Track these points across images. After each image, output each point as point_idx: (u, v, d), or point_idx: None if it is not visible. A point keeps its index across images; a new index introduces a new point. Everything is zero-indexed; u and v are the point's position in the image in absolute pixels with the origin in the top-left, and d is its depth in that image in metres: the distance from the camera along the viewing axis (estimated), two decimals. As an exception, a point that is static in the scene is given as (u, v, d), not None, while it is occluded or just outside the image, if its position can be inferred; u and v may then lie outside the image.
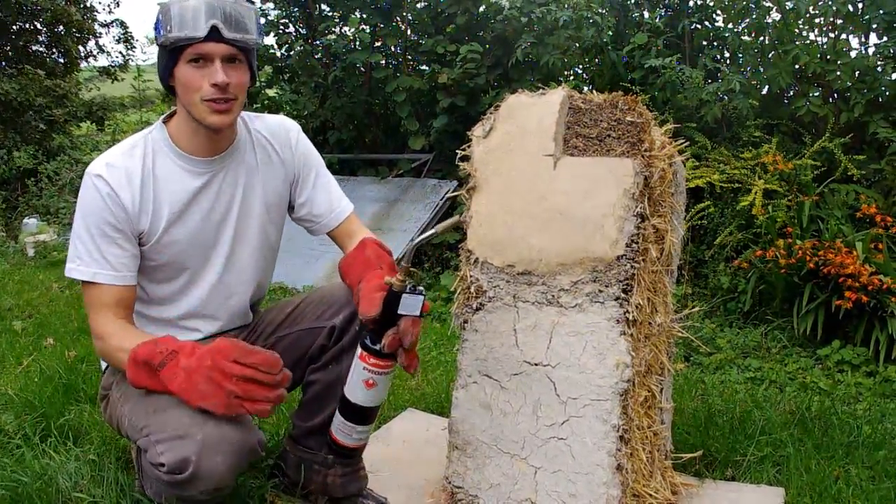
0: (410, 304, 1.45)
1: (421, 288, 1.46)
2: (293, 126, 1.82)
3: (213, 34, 1.49)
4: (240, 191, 1.71)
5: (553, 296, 1.75)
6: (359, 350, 1.53)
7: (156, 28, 1.54)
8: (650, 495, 1.77)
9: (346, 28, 6.12)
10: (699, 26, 4.93)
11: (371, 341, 1.51)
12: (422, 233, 1.45)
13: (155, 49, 1.61)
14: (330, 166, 6.78)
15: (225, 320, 1.79)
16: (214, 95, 1.52)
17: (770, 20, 4.44)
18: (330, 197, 1.84)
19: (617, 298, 1.69)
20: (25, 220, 7.54)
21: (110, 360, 1.60)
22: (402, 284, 1.45)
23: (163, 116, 1.69)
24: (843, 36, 4.33)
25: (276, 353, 1.40)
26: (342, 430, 1.59)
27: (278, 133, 1.78)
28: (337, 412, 1.61)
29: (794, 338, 3.48)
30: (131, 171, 1.59)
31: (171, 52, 1.53)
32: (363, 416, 1.58)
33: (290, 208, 1.85)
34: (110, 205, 1.55)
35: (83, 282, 1.58)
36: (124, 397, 1.59)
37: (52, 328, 3.65)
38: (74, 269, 1.57)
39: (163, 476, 1.40)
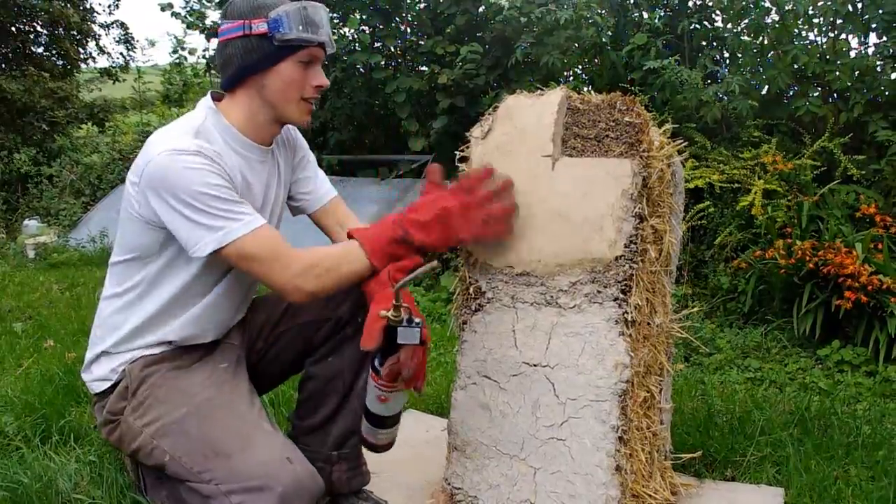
0: (408, 335, 1.45)
1: (417, 319, 1.45)
2: None
3: (325, 42, 1.60)
4: (275, 180, 1.74)
5: (552, 296, 1.76)
6: (370, 370, 1.54)
7: (277, 22, 1.53)
8: (649, 496, 1.77)
9: (345, 29, 6.12)
10: (698, 27, 4.93)
11: (379, 363, 1.51)
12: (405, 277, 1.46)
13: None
14: (330, 167, 6.75)
15: (236, 308, 1.78)
16: (314, 95, 1.62)
17: (769, 20, 4.44)
18: (317, 178, 1.88)
19: (615, 299, 1.70)
20: (26, 222, 7.54)
21: (336, 275, 1.54)
22: (397, 320, 1.45)
23: (209, 103, 1.64)
24: (843, 36, 4.33)
25: (483, 168, 1.66)
26: (368, 432, 1.62)
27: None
28: (363, 415, 1.61)
29: (793, 338, 3.48)
30: (210, 154, 1.52)
31: (280, 49, 1.55)
32: (384, 422, 1.60)
33: None
34: (221, 171, 1.50)
35: (239, 242, 1.47)
36: (158, 430, 1.54)
37: (52, 330, 3.65)
38: (220, 237, 1.46)
39: None
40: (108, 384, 1.67)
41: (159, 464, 1.55)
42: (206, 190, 1.46)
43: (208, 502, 1.44)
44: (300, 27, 1.54)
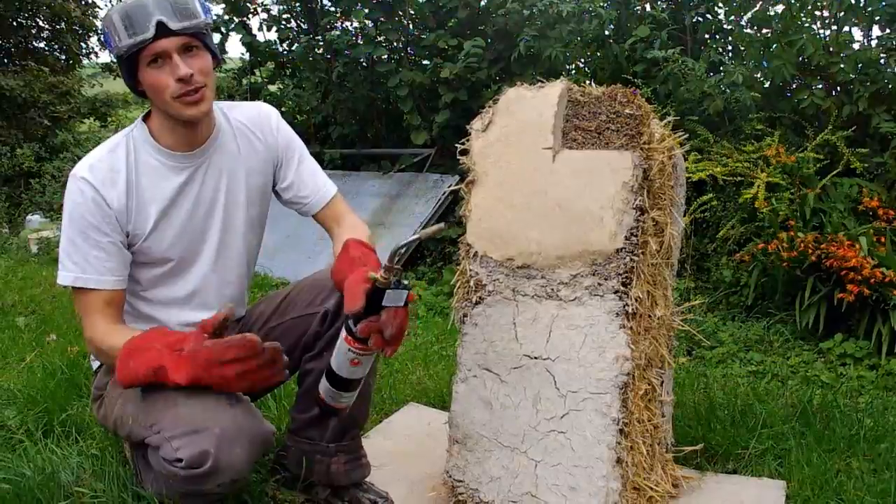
0: (394, 298, 1.44)
1: (406, 282, 1.44)
2: (272, 111, 1.83)
3: (162, 30, 1.47)
4: (224, 181, 1.71)
5: (552, 289, 1.75)
6: (343, 333, 1.51)
7: (106, 42, 1.53)
8: (651, 488, 1.77)
9: (347, 23, 6.11)
10: (701, 19, 4.91)
11: (353, 324, 1.49)
12: (406, 240, 1.44)
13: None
14: (332, 161, 6.70)
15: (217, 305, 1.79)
16: (183, 90, 1.51)
17: (773, 12, 4.42)
18: (315, 178, 1.84)
19: (616, 291, 1.69)
20: (28, 217, 7.57)
21: (106, 360, 1.61)
22: (386, 282, 1.43)
23: (142, 115, 1.69)
24: (846, 28, 4.31)
25: (247, 335, 1.40)
26: (329, 395, 1.60)
27: (257, 119, 1.79)
28: (324, 377, 1.59)
29: (796, 331, 3.47)
30: (116, 171, 1.59)
31: (129, 60, 1.52)
32: (349, 385, 1.58)
33: (276, 193, 1.85)
34: (94, 208, 1.56)
35: (71, 293, 1.60)
36: (125, 396, 1.59)
37: (54, 324, 3.66)
38: (65, 276, 1.58)
39: (179, 472, 1.40)
40: (98, 363, 1.76)
41: (129, 433, 1.58)
42: (75, 222, 1.57)
43: (156, 453, 1.45)
44: (118, 37, 1.48)
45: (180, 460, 1.39)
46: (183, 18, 1.49)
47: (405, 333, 1.49)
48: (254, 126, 1.78)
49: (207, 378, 1.40)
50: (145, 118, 1.67)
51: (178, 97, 1.52)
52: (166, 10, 1.47)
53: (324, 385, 1.60)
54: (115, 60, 1.58)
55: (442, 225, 1.41)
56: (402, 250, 1.43)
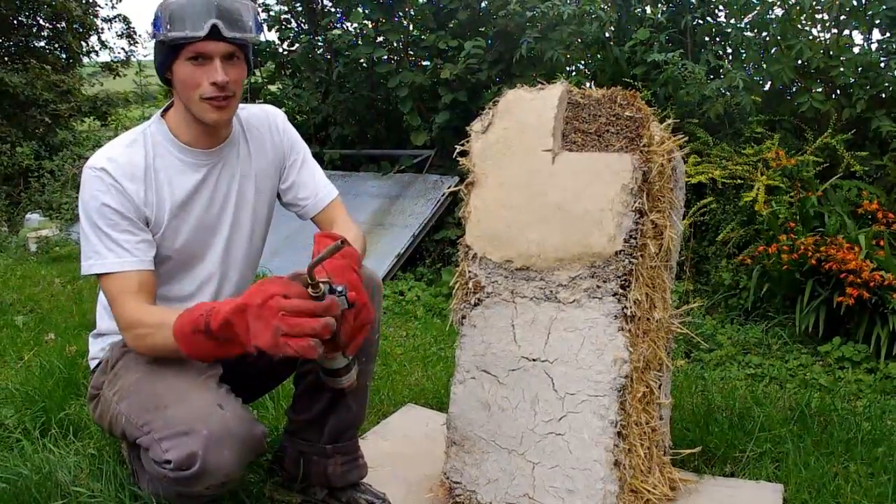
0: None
1: (340, 287, 1.40)
2: (279, 112, 1.85)
3: (214, 33, 1.50)
4: (236, 181, 1.73)
5: (551, 291, 1.75)
6: None
7: (154, 24, 1.55)
8: (648, 491, 1.77)
9: (347, 23, 6.11)
10: (701, 22, 4.92)
11: None
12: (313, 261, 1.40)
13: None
14: (332, 162, 6.67)
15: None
16: (214, 94, 1.54)
17: (773, 15, 4.42)
18: (315, 181, 1.85)
19: (615, 294, 1.69)
20: (27, 216, 7.56)
21: (149, 342, 1.51)
22: (318, 296, 1.38)
23: (160, 111, 1.70)
24: (846, 32, 4.31)
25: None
26: (330, 382, 1.59)
27: (265, 120, 1.81)
28: (320, 369, 1.58)
29: (795, 334, 3.47)
30: (135, 165, 1.60)
31: (170, 48, 1.54)
32: (340, 372, 1.57)
33: (277, 194, 1.86)
34: (116, 195, 1.56)
35: (103, 275, 1.56)
36: (119, 395, 1.59)
37: (53, 323, 3.66)
38: (93, 265, 1.56)
39: (168, 473, 1.40)
40: (96, 362, 1.75)
41: (123, 432, 1.57)
42: (96, 212, 1.56)
43: (147, 455, 1.45)
44: (169, 25, 1.50)
45: (169, 462, 1.39)
46: (236, 29, 1.53)
47: (363, 327, 1.44)
48: (262, 128, 1.80)
49: (255, 306, 1.30)
50: (163, 114, 1.69)
51: (206, 99, 1.55)
52: (224, 16, 1.50)
53: (322, 376, 1.61)
54: (150, 42, 1.60)
55: (339, 242, 1.36)
56: (317, 265, 1.40)
